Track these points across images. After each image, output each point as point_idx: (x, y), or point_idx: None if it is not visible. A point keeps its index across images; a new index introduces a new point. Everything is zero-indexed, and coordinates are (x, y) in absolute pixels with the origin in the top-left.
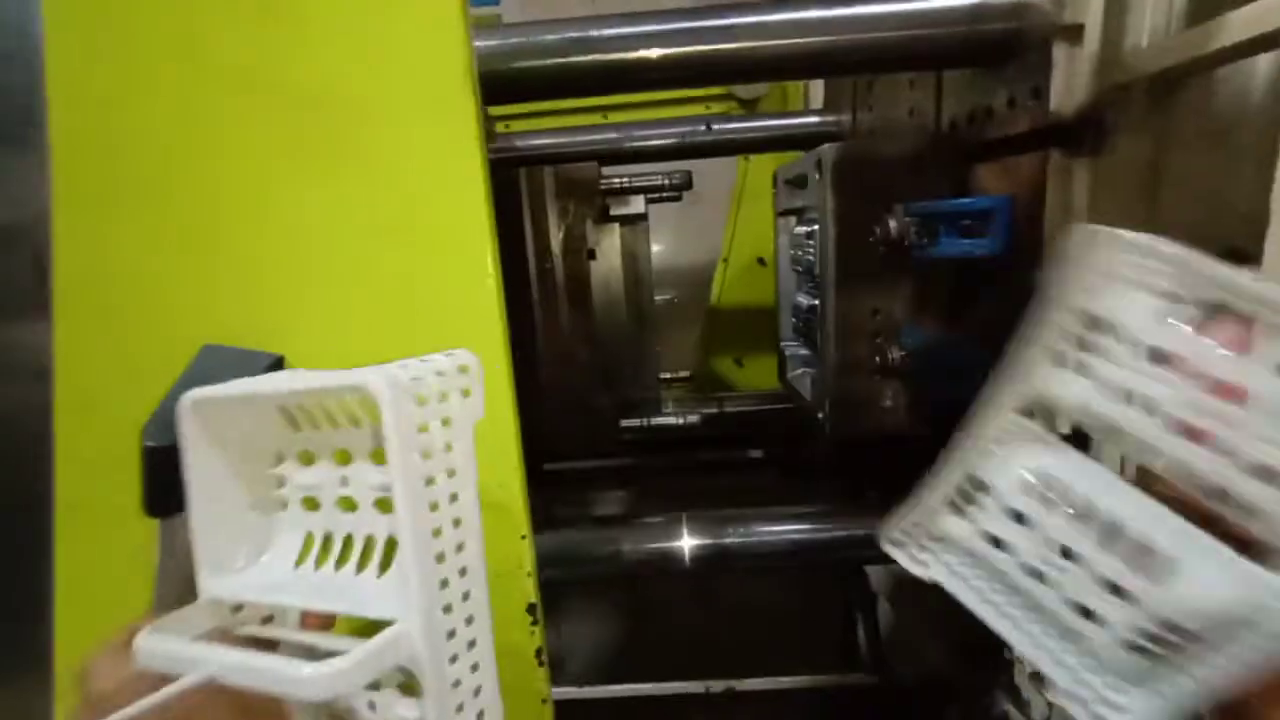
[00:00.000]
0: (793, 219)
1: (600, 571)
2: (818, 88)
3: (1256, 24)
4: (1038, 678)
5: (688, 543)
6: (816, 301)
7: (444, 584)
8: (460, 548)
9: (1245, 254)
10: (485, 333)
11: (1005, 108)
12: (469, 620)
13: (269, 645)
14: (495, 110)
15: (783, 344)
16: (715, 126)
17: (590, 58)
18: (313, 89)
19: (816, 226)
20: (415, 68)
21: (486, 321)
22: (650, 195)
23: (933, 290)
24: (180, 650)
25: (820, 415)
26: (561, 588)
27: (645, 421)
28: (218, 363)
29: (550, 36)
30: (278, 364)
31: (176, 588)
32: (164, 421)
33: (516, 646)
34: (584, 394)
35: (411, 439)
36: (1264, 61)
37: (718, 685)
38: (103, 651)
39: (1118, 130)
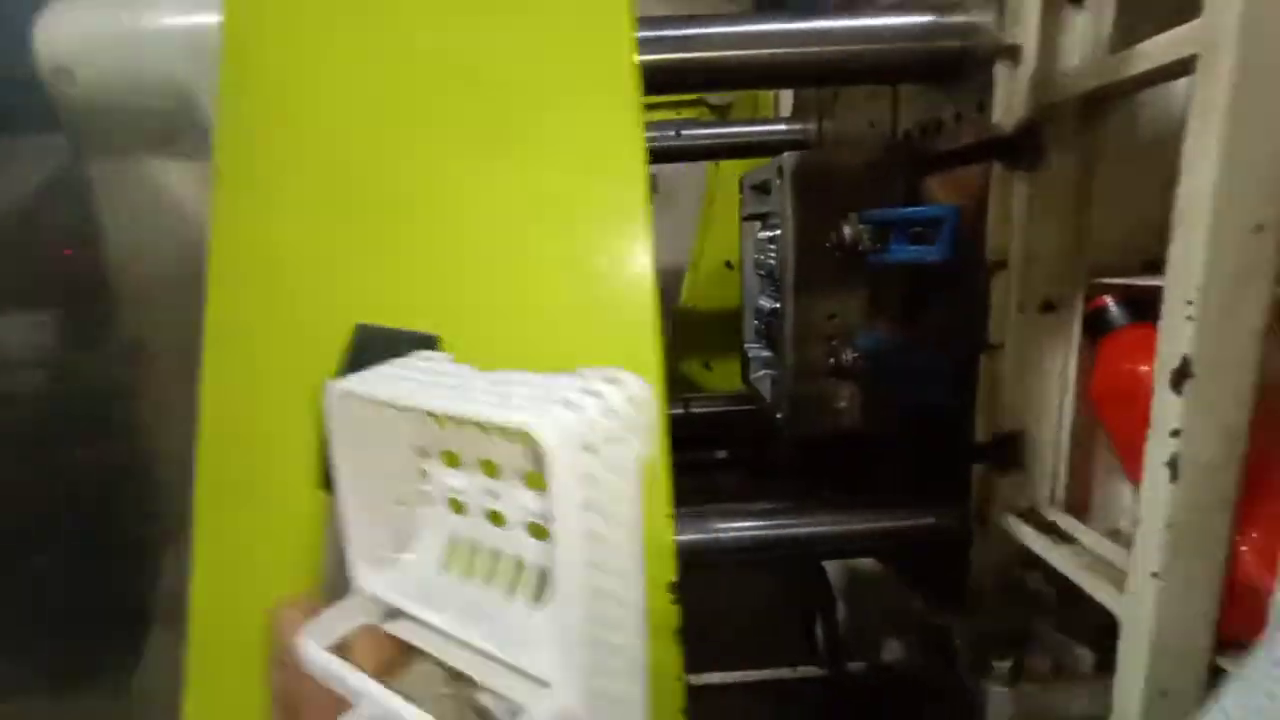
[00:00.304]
0: (757, 224)
1: None
2: (787, 96)
3: (1168, 52)
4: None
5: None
6: (778, 305)
7: (605, 649)
8: (622, 604)
9: (1161, 267)
10: (635, 323)
11: (953, 121)
12: (625, 681)
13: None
14: None
15: (747, 346)
16: (685, 132)
17: None
18: (490, 73)
19: (779, 231)
20: (585, 54)
21: (638, 312)
22: None
23: (885, 295)
24: (343, 675)
25: (779, 416)
26: None
27: None
28: (382, 343)
29: None
30: (432, 344)
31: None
32: None
33: (658, 623)
34: None
35: (580, 494)
36: (1181, 85)
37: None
38: (293, 619)
39: (1051, 146)
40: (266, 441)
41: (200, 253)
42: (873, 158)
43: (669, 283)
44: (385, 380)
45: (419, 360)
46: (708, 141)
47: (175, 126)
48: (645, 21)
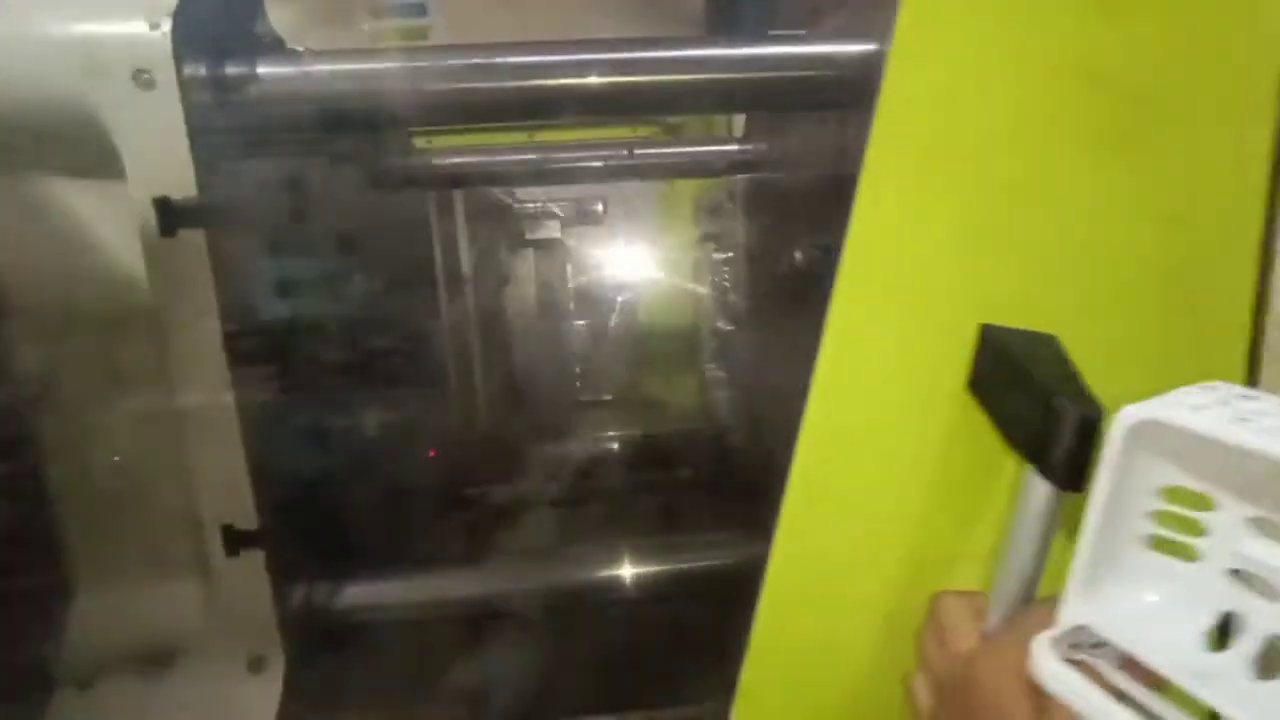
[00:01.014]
0: (711, 245)
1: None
2: (740, 116)
3: None
4: None
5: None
6: (733, 327)
7: None
8: None
9: None
10: (1225, 340)
11: None
12: None
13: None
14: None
15: (705, 367)
16: (637, 151)
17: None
18: (1126, 84)
19: (731, 254)
20: (1227, 68)
21: (1232, 330)
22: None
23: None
24: (1090, 699)
25: (734, 437)
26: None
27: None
28: (1013, 344)
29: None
30: (1053, 345)
31: (1024, 574)
32: (1079, 394)
33: None
34: (497, 419)
35: None
36: None
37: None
38: (960, 609)
39: None
40: (871, 440)
41: (110, 281)
42: (823, 182)
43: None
44: (1200, 413)
45: (1206, 391)
46: (660, 161)
47: (76, 150)
48: (590, 44)
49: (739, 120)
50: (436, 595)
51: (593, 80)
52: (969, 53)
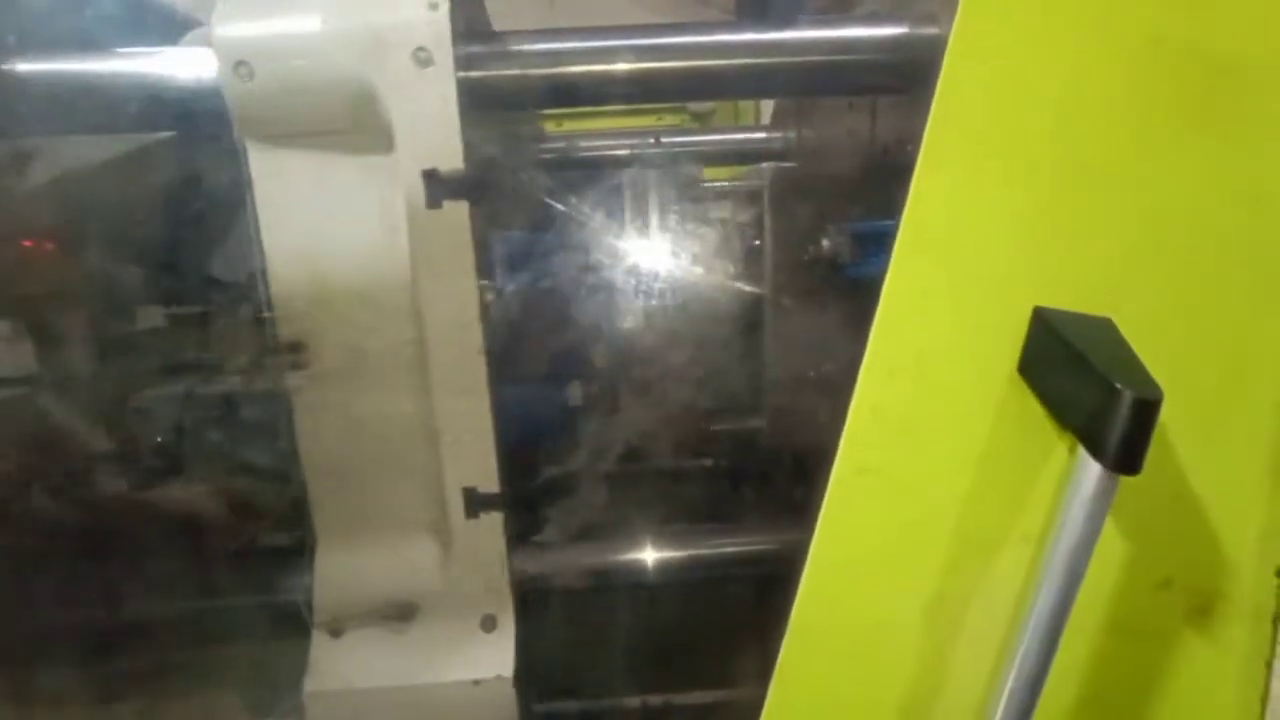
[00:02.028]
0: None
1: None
2: (768, 104)
3: None
4: None
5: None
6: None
7: None
8: None
9: None
10: None
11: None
12: None
13: None
14: None
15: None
16: (664, 140)
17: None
18: (1218, 53)
19: (758, 242)
20: None
21: None
22: None
23: (867, 307)
24: None
25: (763, 426)
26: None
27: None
28: (1063, 327)
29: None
30: (1108, 329)
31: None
32: (1138, 376)
33: None
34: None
35: None
36: None
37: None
38: None
39: None
40: (920, 420)
41: (370, 252)
42: (851, 170)
43: None
44: None
45: None
46: (686, 149)
47: (351, 123)
48: (619, 31)
49: (766, 109)
50: (673, 560)
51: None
52: (1035, 21)
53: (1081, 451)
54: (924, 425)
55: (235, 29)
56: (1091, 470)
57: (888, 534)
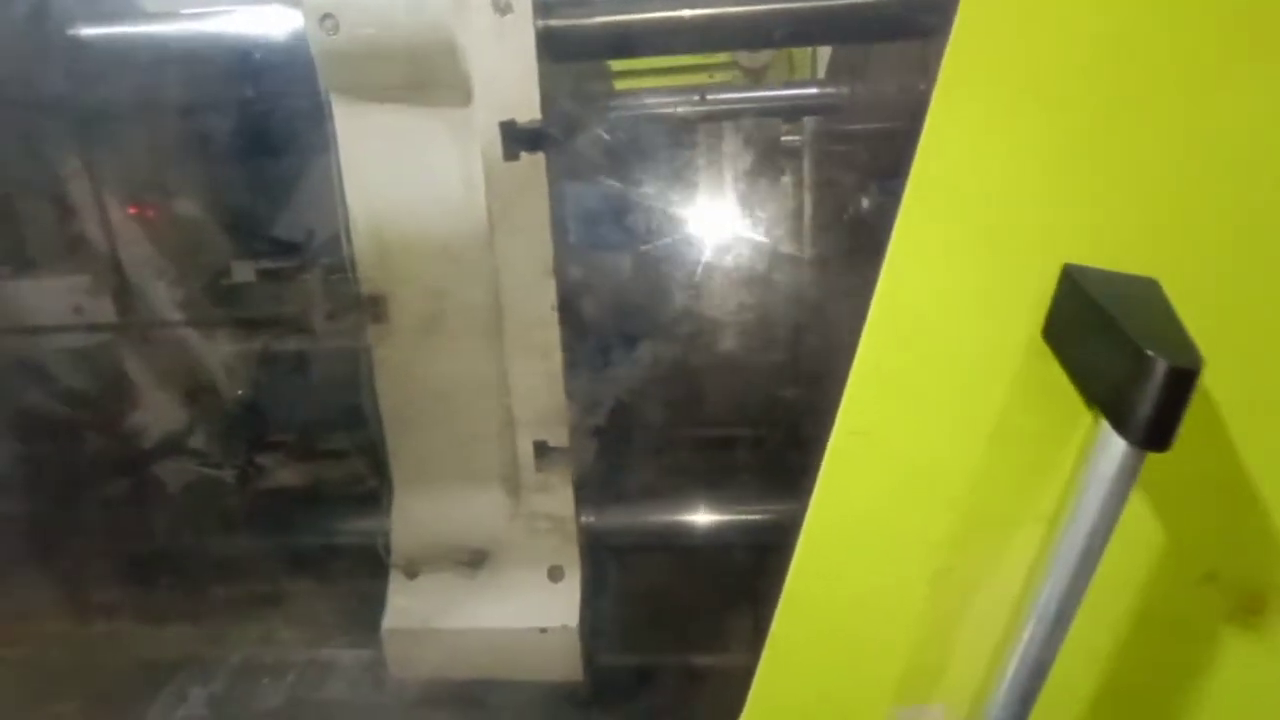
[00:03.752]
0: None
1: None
2: (823, 60)
3: None
4: None
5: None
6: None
7: None
8: None
9: None
10: None
11: None
12: None
13: None
14: None
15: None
16: (710, 96)
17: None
18: None
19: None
20: None
21: None
22: None
23: None
24: None
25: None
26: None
27: None
28: (1095, 287)
29: None
30: (1152, 289)
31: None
32: (1176, 342)
33: None
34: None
35: None
36: None
37: None
38: None
39: None
40: (927, 383)
41: (448, 206)
42: (897, 124)
43: None
44: None
45: None
46: (733, 106)
47: (432, 75)
48: None
49: (824, 63)
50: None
51: None
52: None
53: (1104, 424)
54: (933, 390)
55: None
56: (1114, 445)
57: (889, 503)
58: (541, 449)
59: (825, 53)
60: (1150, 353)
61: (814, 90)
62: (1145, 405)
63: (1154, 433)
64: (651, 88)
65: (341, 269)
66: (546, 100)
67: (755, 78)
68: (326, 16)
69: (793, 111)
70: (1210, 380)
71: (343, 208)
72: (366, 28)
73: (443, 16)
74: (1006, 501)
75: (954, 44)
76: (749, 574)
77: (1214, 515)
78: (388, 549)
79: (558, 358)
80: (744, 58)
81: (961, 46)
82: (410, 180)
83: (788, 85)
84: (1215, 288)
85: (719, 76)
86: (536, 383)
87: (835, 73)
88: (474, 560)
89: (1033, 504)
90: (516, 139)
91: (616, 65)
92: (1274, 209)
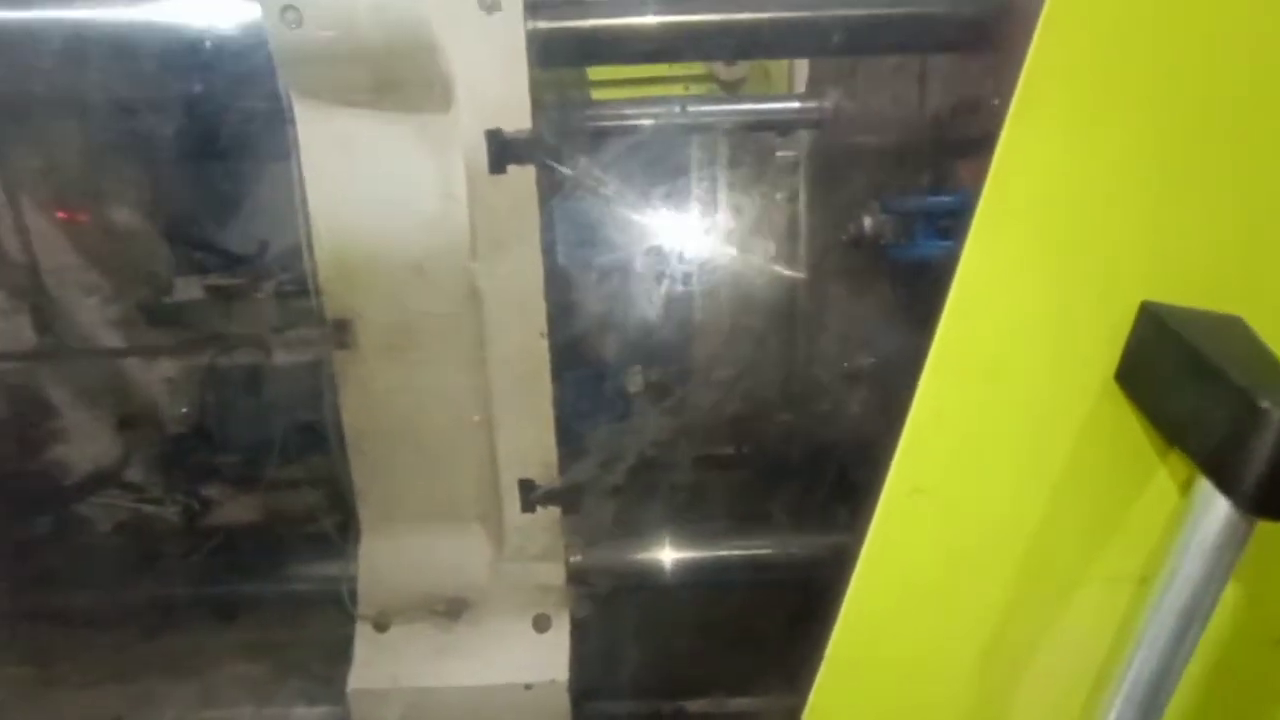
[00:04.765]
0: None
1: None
2: (802, 72)
3: None
4: None
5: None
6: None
7: None
8: None
9: None
10: None
11: (991, 99)
12: None
13: None
14: None
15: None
16: (690, 109)
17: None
18: None
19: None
20: None
21: None
22: None
23: (909, 294)
24: None
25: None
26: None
27: None
28: (1182, 325)
29: None
30: (1238, 327)
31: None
32: None
33: None
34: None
35: None
36: None
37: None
38: None
39: None
40: (991, 431)
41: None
42: (897, 140)
43: None
44: None
45: None
46: (714, 118)
47: (408, 77)
48: None
49: (800, 77)
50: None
51: None
52: None
53: (1205, 485)
54: (995, 439)
55: None
56: (1218, 509)
57: (944, 564)
58: (528, 488)
59: (802, 67)
60: (1263, 403)
61: (795, 105)
62: (1258, 464)
63: (1267, 497)
64: (631, 99)
65: (303, 286)
66: (537, 107)
67: (731, 90)
68: (288, 8)
69: (774, 125)
70: None
71: (304, 221)
72: (334, 22)
73: (422, 11)
74: (1074, 562)
75: (1033, 60)
76: (760, 612)
77: None
78: (353, 598)
79: (547, 388)
80: (721, 70)
81: (1042, 63)
82: (381, 192)
83: (770, 99)
84: None
85: (695, 89)
86: (523, 415)
87: (815, 87)
88: (451, 610)
89: (1104, 564)
90: (504, 149)
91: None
92: None
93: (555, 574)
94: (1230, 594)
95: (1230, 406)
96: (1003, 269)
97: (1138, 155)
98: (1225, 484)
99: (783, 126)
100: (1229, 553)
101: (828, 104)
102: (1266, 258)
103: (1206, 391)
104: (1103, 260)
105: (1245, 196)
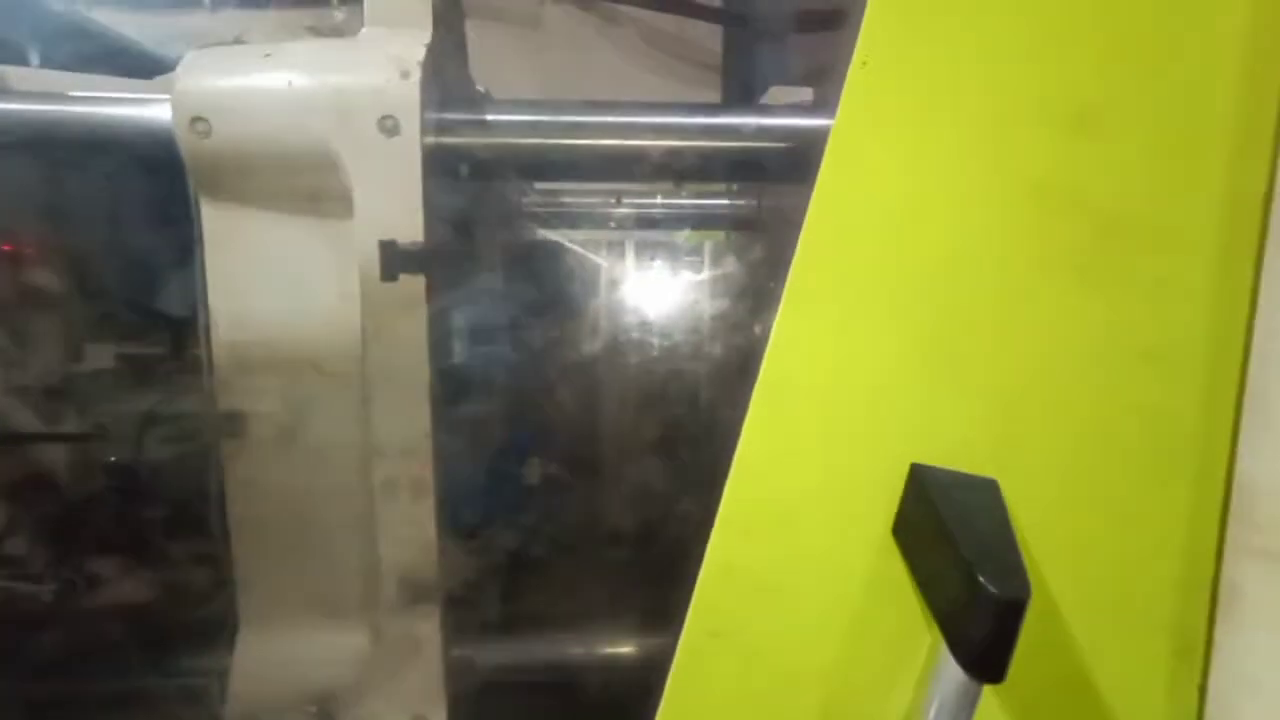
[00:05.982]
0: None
1: None
2: None
3: None
4: None
5: None
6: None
7: None
8: None
9: None
10: (1208, 496)
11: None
12: None
13: None
14: None
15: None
16: (626, 201)
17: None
18: (1106, 207)
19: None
20: (1213, 194)
21: (1211, 470)
22: None
23: None
24: None
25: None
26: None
27: None
28: (941, 487)
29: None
30: (991, 490)
31: None
32: (1005, 567)
33: None
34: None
35: None
36: None
37: None
38: None
39: None
40: (780, 580)
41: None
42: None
43: None
44: None
45: None
46: (652, 212)
47: (311, 188)
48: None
49: None
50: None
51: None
52: (921, 150)
53: (943, 648)
54: (784, 588)
55: (196, 82)
56: (952, 671)
57: (744, 707)
58: (406, 585)
59: None
60: (981, 579)
61: (725, 202)
62: (978, 634)
63: (987, 664)
64: (568, 186)
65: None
66: (431, 219)
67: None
68: (197, 119)
69: (705, 221)
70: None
71: (204, 312)
72: (242, 135)
73: (324, 130)
74: (862, 708)
75: (804, 241)
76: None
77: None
78: (223, 695)
79: (430, 489)
80: None
81: (812, 246)
82: (281, 290)
83: (702, 195)
84: (1050, 489)
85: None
86: (404, 515)
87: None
88: (323, 711)
89: (887, 711)
90: (396, 259)
91: None
92: (1102, 416)
93: (434, 673)
94: None
95: (959, 576)
96: (786, 430)
97: (906, 332)
98: (954, 647)
99: (713, 223)
100: (963, 712)
101: (754, 202)
102: (1016, 428)
103: (944, 558)
104: (879, 424)
105: (1001, 370)
